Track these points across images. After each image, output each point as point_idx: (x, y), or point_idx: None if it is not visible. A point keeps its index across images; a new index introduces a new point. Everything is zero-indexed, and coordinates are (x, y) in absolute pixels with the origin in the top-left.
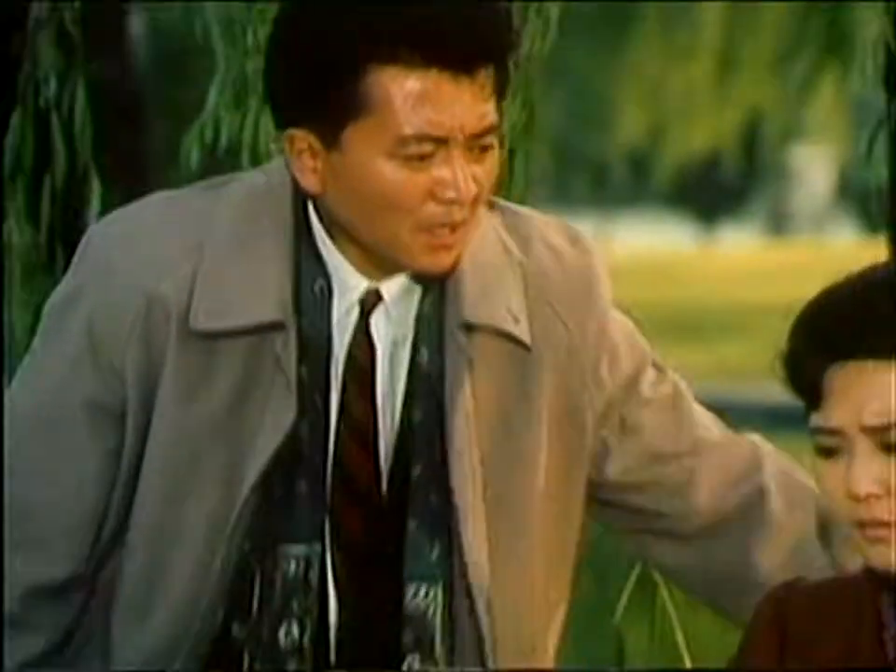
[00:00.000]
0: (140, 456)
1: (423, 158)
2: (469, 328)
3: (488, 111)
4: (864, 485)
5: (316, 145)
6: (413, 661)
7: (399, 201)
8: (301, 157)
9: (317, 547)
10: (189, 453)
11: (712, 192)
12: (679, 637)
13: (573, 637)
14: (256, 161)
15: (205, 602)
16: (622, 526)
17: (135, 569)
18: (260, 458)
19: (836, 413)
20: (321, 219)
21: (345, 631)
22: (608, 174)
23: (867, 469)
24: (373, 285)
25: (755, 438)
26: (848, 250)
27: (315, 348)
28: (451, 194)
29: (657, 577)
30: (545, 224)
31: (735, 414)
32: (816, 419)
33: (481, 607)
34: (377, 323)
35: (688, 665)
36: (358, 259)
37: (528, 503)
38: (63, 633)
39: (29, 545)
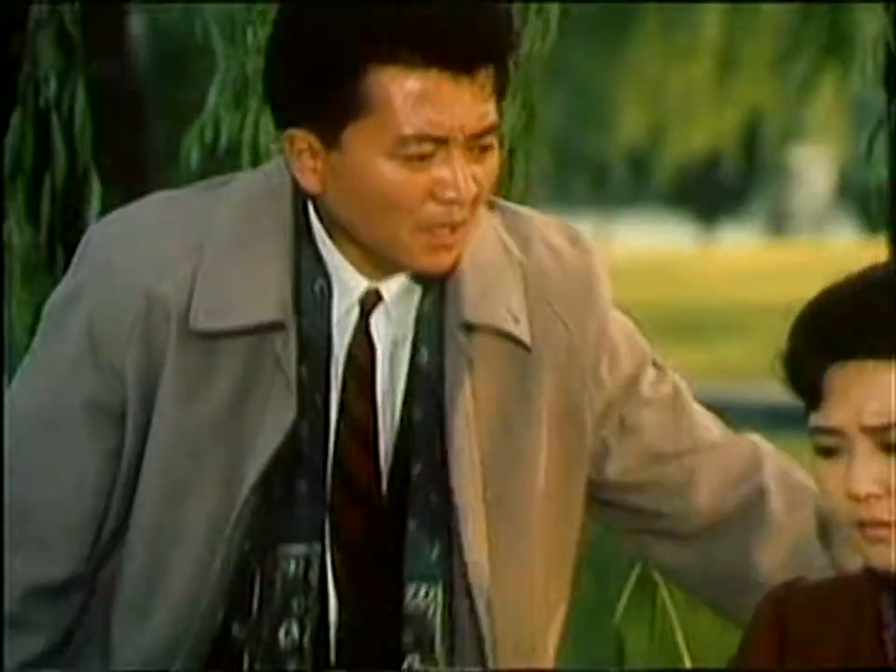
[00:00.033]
0: (140, 457)
1: (423, 158)
2: (469, 327)
3: (488, 111)
4: (864, 485)
5: (316, 145)
6: (413, 661)
7: (399, 201)
8: (300, 157)
9: (317, 547)
10: (189, 452)
11: (712, 192)
12: (679, 637)
13: (573, 636)
14: (256, 160)
15: (205, 602)
16: (621, 526)
17: (135, 569)
18: (260, 458)
19: (836, 413)
20: (321, 220)
21: (345, 631)
22: (608, 173)
23: (867, 469)
24: (373, 285)
25: (755, 437)
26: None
27: (314, 348)
28: (451, 194)
29: (657, 577)
30: (545, 224)
31: (735, 414)
32: (816, 419)
33: (480, 607)
34: (377, 323)
35: (688, 664)
36: (358, 259)
37: (528, 503)
38: (62, 633)
39: (29, 545)
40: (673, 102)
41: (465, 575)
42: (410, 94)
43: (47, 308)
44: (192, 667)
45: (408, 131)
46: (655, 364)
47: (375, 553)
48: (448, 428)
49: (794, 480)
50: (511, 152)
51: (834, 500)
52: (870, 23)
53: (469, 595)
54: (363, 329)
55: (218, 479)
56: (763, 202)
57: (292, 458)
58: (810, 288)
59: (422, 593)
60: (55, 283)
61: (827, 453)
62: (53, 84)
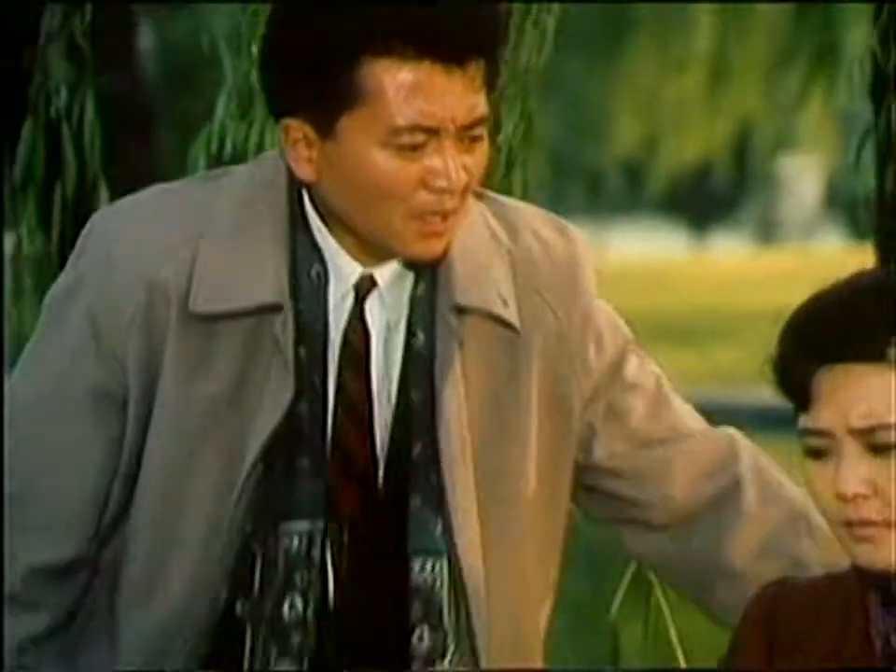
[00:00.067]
0: (142, 441)
1: (415, 148)
2: (461, 310)
3: (479, 103)
4: (852, 486)
5: (311, 134)
6: (422, 631)
7: (392, 189)
8: (296, 146)
9: (320, 523)
10: (191, 434)
11: (704, 201)
12: (673, 635)
13: (569, 633)
14: None
15: (210, 580)
16: (599, 515)
17: (140, 550)
18: (260, 436)
19: (824, 416)
20: (316, 208)
21: (350, 605)
22: (603, 182)
23: (854, 470)
24: (367, 271)
25: (732, 431)
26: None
27: (312, 331)
28: (442, 183)
29: (652, 576)
30: (532, 215)
31: (726, 417)
32: (805, 421)
33: (471, 587)
34: (371, 308)
35: (682, 662)
36: (353, 246)
37: (520, 482)
38: (66, 612)
39: (36, 527)
40: (666, 113)
41: (457, 554)
42: (403, 86)
43: (48, 299)
44: (198, 645)
45: (401, 121)
46: (636, 352)
47: (378, 528)
48: (439, 409)
49: (769, 474)
50: (510, 161)
51: (823, 500)
52: (858, 37)
53: (461, 575)
54: (358, 315)
55: (220, 459)
56: (753, 210)
57: (292, 437)
58: (799, 294)
59: (428, 567)
60: None
61: (816, 454)
62: (64, 96)
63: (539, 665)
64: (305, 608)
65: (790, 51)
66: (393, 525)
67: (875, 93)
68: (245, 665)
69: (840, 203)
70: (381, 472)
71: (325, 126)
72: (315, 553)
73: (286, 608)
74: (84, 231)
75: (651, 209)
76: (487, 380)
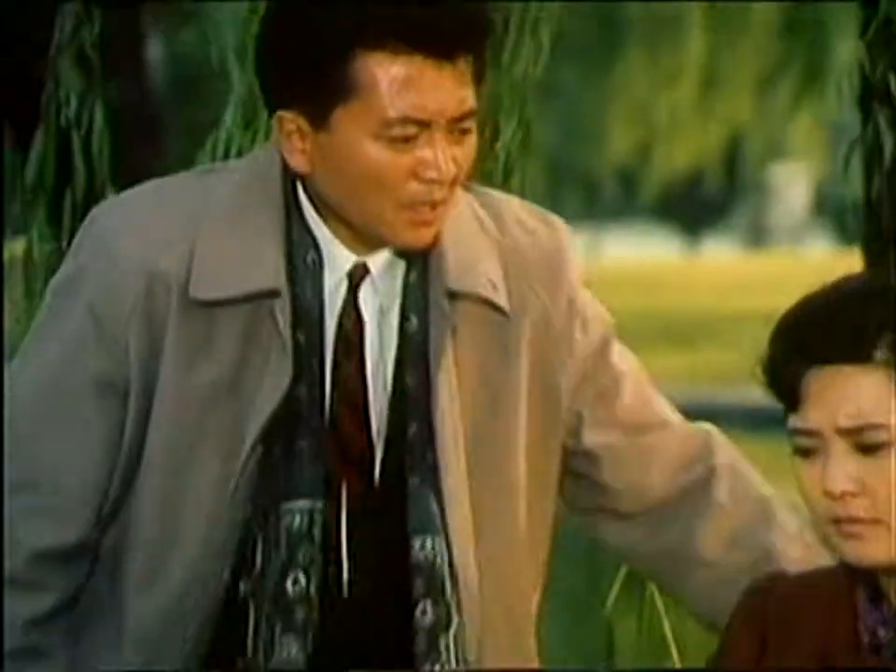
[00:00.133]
0: (143, 429)
1: (406, 139)
2: (453, 295)
3: (468, 96)
4: (840, 484)
5: (305, 126)
6: (425, 605)
7: (384, 179)
8: (290, 138)
9: (320, 503)
10: (192, 420)
11: (696, 207)
12: (667, 630)
13: (565, 628)
14: None
15: (213, 563)
16: (576, 503)
17: (145, 534)
18: (260, 417)
19: (813, 416)
20: (310, 199)
21: (353, 581)
22: (598, 189)
23: (842, 469)
24: (361, 259)
25: (709, 427)
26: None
27: (309, 316)
28: (432, 174)
29: None
30: (517, 206)
31: (718, 416)
32: (794, 421)
33: (460, 565)
34: (365, 296)
35: (675, 656)
36: (346, 235)
37: (510, 461)
38: (69, 595)
39: (40, 513)
40: (659, 122)
41: (449, 532)
42: (395, 79)
43: (49, 289)
44: (203, 625)
45: (393, 114)
46: (618, 342)
47: (377, 508)
48: (434, 391)
49: (741, 470)
50: (508, 168)
51: (812, 498)
52: (846, 49)
53: (451, 558)
54: (352, 302)
55: (221, 443)
56: (744, 216)
57: (292, 419)
58: (788, 298)
59: (428, 544)
60: None
61: (805, 453)
62: (74, 104)
63: (531, 646)
64: (308, 583)
65: (780, 63)
66: (392, 505)
67: (862, 104)
68: (250, 643)
69: (828, 210)
70: (378, 454)
71: (319, 118)
72: (317, 531)
73: (289, 583)
74: (85, 223)
75: (644, 215)
76: (479, 362)
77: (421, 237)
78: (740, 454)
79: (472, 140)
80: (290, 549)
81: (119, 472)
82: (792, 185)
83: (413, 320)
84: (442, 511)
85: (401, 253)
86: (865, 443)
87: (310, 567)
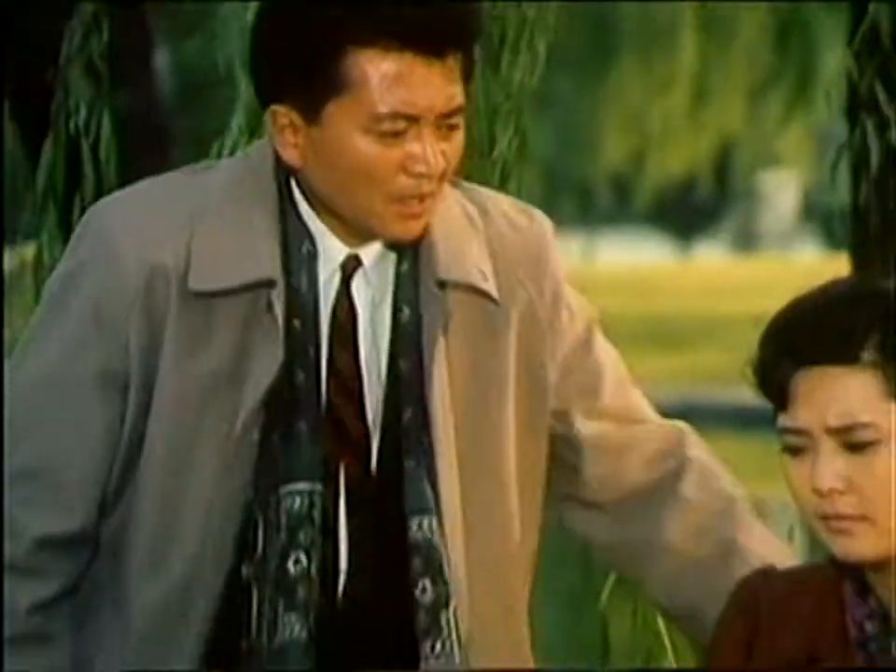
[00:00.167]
0: (143, 419)
1: (396, 134)
2: (444, 285)
3: (456, 93)
4: (828, 481)
5: (298, 121)
6: (424, 584)
7: (374, 173)
8: (283, 132)
9: (319, 486)
10: (192, 409)
11: (688, 213)
12: (661, 624)
13: (559, 622)
14: None
15: (215, 548)
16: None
17: (148, 521)
18: (253, 397)
19: (802, 415)
20: (303, 193)
21: (354, 562)
22: (593, 196)
23: (831, 467)
24: (353, 251)
25: (682, 424)
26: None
27: (305, 305)
28: (421, 168)
29: None
30: (501, 200)
31: (709, 416)
32: (784, 420)
33: (450, 548)
34: (358, 286)
35: (669, 651)
36: (338, 228)
37: (500, 445)
38: (72, 581)
39: (42, 502)
40: (652, 130)
41: (441, 513)
42: (386, 75)
43: (48, 285)
44: (206, 610)
45: (383, 109)
46: (600, 333)
47: (375, 491)
48: (428, 377)
49: (711, 466)
50: (504, 175)
51: (801, 495)
52: (835, 58)
53: (444, 543)
54: (345, 292)
55: (222, 431)
56: (734, 222)
57: (291, 405)
58: (778, 301)
59: (425, 525)
60: None
61: (794, 451)
62: (83, 113)
63: (525, 633)
64: (309, 563)
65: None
66: (389, 487)
67: (849, 112)
68: (253, 624)
69: (816, 216)
70: (375, 439)
71: (311, 113)
72: (316, 513)
73: (290, 564)
74: (83, 220)
75: (638, 220)
76: (470, 350)
77: (410, 229)
78: (711, 451)
79: (460, 136)
80: (291, 531)
81: (119, 463)
82: (782, 191)
83: (406, 310)
84: (437, 492)
85: (393, 245)
86: (853, 442)
87: (311, 548)
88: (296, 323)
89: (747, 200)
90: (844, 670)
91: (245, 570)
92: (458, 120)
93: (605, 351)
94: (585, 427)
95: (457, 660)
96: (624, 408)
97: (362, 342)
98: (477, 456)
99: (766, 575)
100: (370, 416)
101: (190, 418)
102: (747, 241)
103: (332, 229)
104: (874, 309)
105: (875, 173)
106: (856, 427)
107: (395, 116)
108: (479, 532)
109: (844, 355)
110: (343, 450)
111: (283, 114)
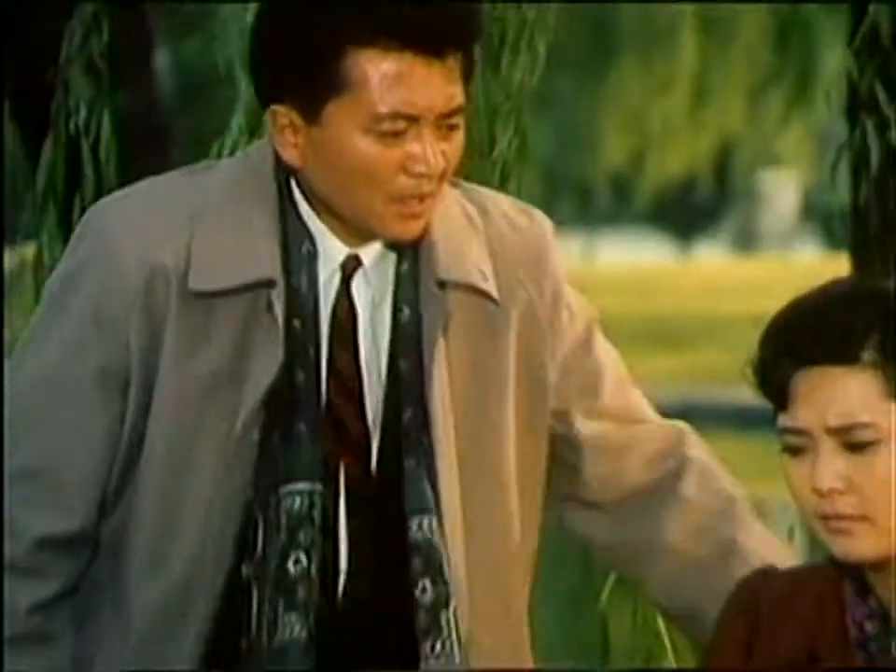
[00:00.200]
0: (143, 421)
1: (396, 134)
2: (444, 285)
3: (456, 93)
4: (828, 481)
5: (298, 121)
6: (424, 584)
7: (374, 173)
8: (283, 132)
9: (319, 486)
10: (192, 408)
11: (688, 213)
12: (661, 624)
13: (559, 622)
14: None
15: (215, 549)
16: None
17: (148, 521)
18: (253, 397)
19: (802, 415)
20: (303, 193)
21: (354, 562)
22: (593, 196)
23: (830, 467)
24: (353, 251)
25: (682, 425)
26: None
27: (305, 304)
28: (421, 168)
29: None
30: (500, 200)
31: (709, 415)
32: (784, 420)
33: (449, 545)
34: (358, 287)
35: (668, 649)
36: (338, 228)
37: (501, 449)
38: (72, 581)
39: (43, 502)
40: (652, 130)
41: (441, 513)
42: (386, 75)
43: (48, 286)
44: (206, 610)
45: (383, 109)
46: (600, 333)
47: (375, 490)
48: (428, 377)
49: (710, 466)
50: (505, 175)
51: (801, 495)
52: (835, 59)
53: (444, 543)
54: (345, 292)
55: (221, 428)
56: (734, 221)
57: (291, 404)
58: (778, 301)
59: (425, 524)
60: None
61: (794, 451)
62: (83, 113)
63: (525, 633)
64: (309, 563)
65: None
66: (389, 487)
67: (849, 112)
68: (254, 624)
69: (816, 216)
70: (375, 439)
71: (311, 113)
72: (316, 513)
73: (290, 564)
74: (83, 220)
75: (638, 220)
76: (470, 350)
77: (410, 229)
78: (712, 451)
79: (460, 136)
80: (291, 531)
81: (119, 463)
82: (782, 191)
83: (406, 310)
84: (437, 492)
85: (393, 245)
86: (853, 442)
87: (311, 548)
88: (296, 323)
89: (747, 200)
90: (844, 670)
91: (244, 570)
92: (458, 120)
93: (605, 351)
94: (585, 426)
95: (457, 660)
96: (624, 408)
97: (362, 342)
98: (477, 456)
99: (766, 575)
100: (370, 416)
101: (190, 418)
102: (747, 241)
103: (332, 229)
104: (874, 309)
105: (875, 173)
106: (856, 426)
107: (395, 116)
108: (479, 532)
109: (844, 355)
110: (342, 450)
111: (283, 114)
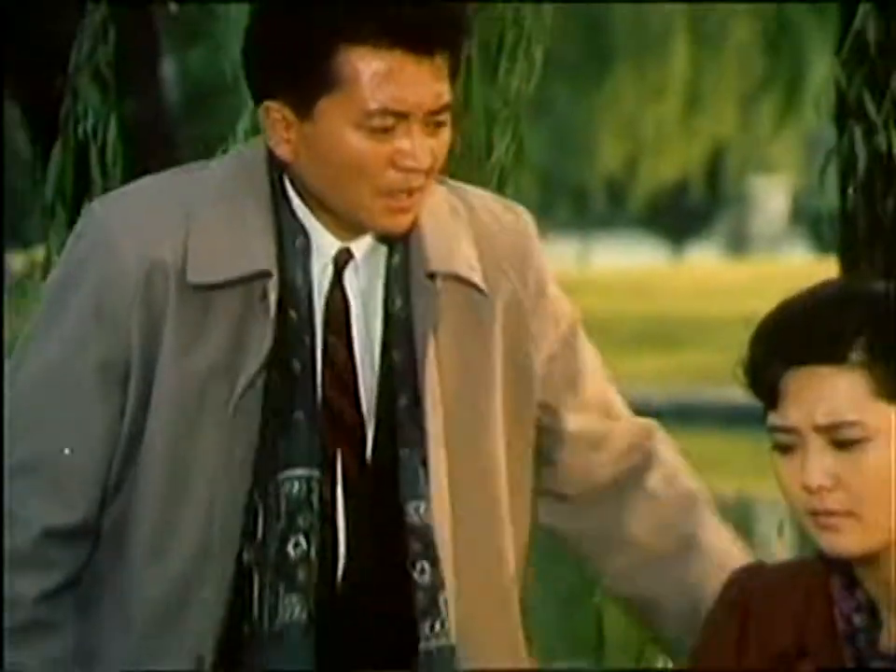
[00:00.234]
0: (145, 412)
1: (386, 130)
2: (434, 276)
3: (444, 91)
4: (816, 478)
5: (290, 116)
6: (422, 566)
7: (364, 168)
8: (275, 128)
9: (317, 472)
10: (191, 400)
11: (681, 217)
12: None
13: (555, 616)
14: None
15: (216, 537)
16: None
17: (150, 512)
18: (244, 378)
19: (792, 414)
20: (295, 188)
21: (352, 545)
22: (588, 200)
23: (819, 464)
24: (344, 245)
25: (653, 422)
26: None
27: (299, 296)
28: (410, 163)
29: None
30: (485, 197)
31: (701, 414)
32: (773, 419)
33: (440, 537)
34: (350, 279)
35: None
36: (330, 222)
37: (489, 439)
38: (75, 572)
39: (45, 492)
40: (646, 135)
41: (430, 498)
42: (376, 73)
43: (48, 286)
44: (208, 597)
45: (373, 105)
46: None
47: (371, 477)
48: (420, 366)
49: (675, 463)
50: (502, 180)
51: (791, 492)
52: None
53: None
54: (338, 284)
55: (221, 417)
56: (726, 225)
57: (288, 392)
58: (768, 302)
59: (421, 509)
60: None
61: (784, 449)
62: (91, 119)
63: (518, 624)
64: (309, 546)
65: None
66: (385, 474)
67: (838, 119)
68: (255, 608)
69: (805, 220)
70: (370, 428)
71: (303, 108)
72: (315, 498)
73: (290, 547)
74: (81, 220)
75: (632, 224)
76: (459, 340)
77: (398, 223)
78: (677, 449)
79: (447, 132)
80: (290, 516)
81: (119, 455)
82: (772, 196)
83: (398, 301)
84: (428, 479)
85: (383, 238)
86: (840, 440)
87: (310, 531)
88: (292, 314)
89: (738, 204)
90: (840, 671)
91: (246, 556)
92: (446, 117)
93: (586, 349)
94: (570, 420)
95: (454, 640)
96: (604, 404)
97: (356, 333)
98: (466, 446)
99: (755, 571)
100: (364, 405)
101: (189, 411)
102: (738, 244)
103: (324, 223)
104: (862, 310)
105: (863, 177)
106: (843, 425)
107: (385, 112)
108: (466, 518)
109: (832, 355)
110: (338, 438)
111: (276, 109)
